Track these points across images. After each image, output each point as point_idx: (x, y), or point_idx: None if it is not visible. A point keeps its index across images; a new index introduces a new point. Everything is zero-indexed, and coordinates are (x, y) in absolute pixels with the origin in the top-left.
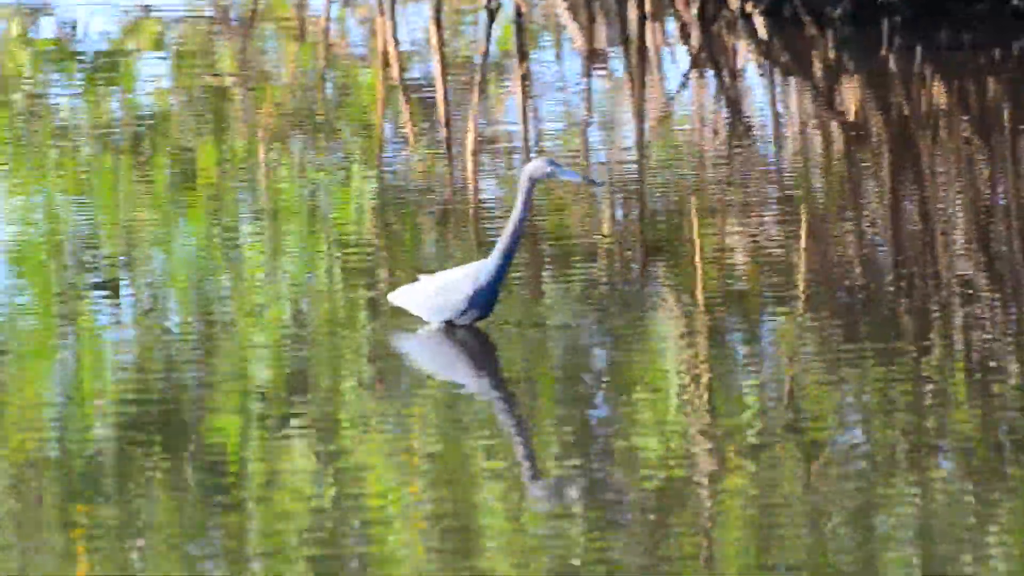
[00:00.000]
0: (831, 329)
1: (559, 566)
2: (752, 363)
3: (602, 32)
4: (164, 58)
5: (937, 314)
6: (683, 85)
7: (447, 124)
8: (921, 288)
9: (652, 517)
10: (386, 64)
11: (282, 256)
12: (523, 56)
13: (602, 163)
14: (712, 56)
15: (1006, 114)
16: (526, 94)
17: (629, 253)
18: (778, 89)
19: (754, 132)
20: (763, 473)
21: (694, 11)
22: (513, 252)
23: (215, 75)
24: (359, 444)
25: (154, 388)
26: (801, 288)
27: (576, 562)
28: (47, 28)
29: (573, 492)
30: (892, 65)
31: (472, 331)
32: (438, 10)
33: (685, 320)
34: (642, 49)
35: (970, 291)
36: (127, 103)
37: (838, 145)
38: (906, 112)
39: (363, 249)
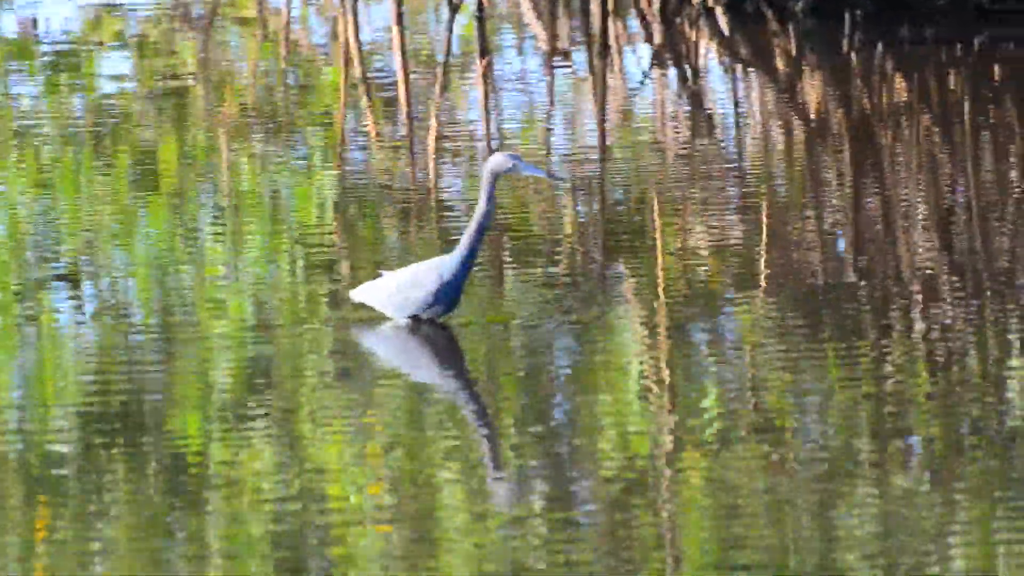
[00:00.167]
0: (793, 324)
1: (521, 565)
2: (714, 358)
3: (564, 28)
4: (125, 54)
5: (898, 308)
6: (645, 80)
7: (409, 120)
8: (882, 282)
9: (615, 515)
10: (348, 60)
11: (244, 252)
12: (485, 52)
13: (564, 158)
14: (674, 51)
15: (967, 108)
16: (488, 90)
17: (591, 248)
18: (740, 84)
19: (716, 127)
20: (726, 470)
21: (656, 6)
22: (477, 247)
23: (176, 77)
24: (321, 441)
25: (115, 384)
26: (763, 283)
27: (538, 561)
28: (8, 23)
29: (535, 490)
30: (854, 59)
31: (434, 327)
32: (400, 6)
33: (647, 315)
34: (604, 45)
35: (932, 285)
36: (88, 99)
37: (800, 139)
38: (868, 106)
39: (325, 245)
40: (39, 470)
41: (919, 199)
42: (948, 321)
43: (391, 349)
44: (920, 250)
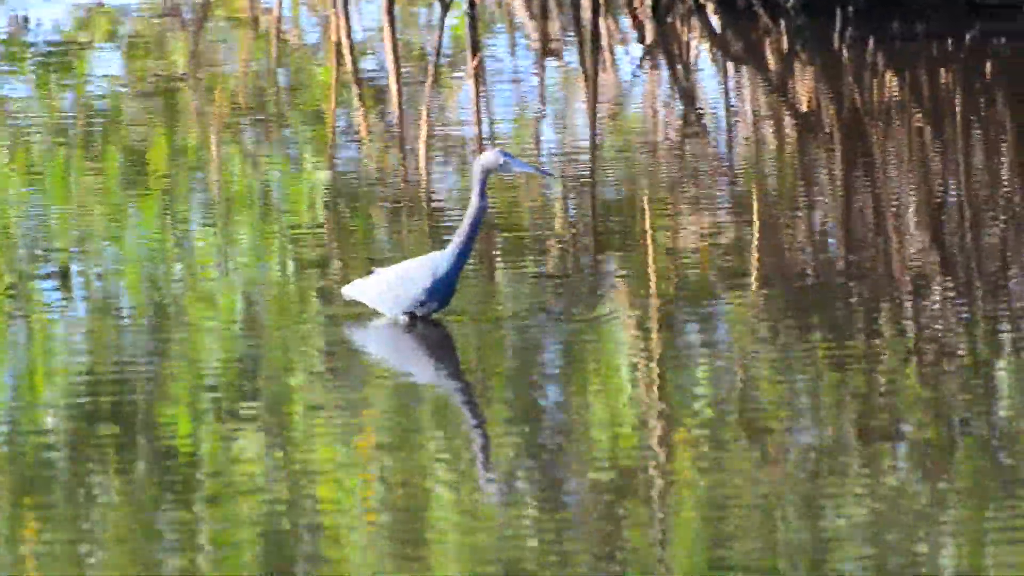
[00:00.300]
0: (784, 319)
1: (512, 562)
2: (705, 354)
3: (556, 24)
4: (117, 51)
5: (889, 304)
6: (636, 77)
7: (400, 116)
8: (873, 278)
9: (606, 511)
10: (339, 56)
11: (234, 248)
12: (476, 50)
13: (555, 155)
14: (666, 48)
15: (959, 104)
16: (479, 86)
17: (582, 245)
18: (732, 80)
19: (708, 123)
20: (716, 465)
21: (648, 3)
22: (472, 244)
23: (167, 75)
24: (311, 437)
25: (105, 379)
26: (754, 278)
27: (530, 556)
28: None
29: (527, 486)
30: (845, 55)
31: (426, 323)
32: (391, 2)
33: (638, 311)
34: (596, 41)
35: (922, 281)
36: (79, 96)
37: (791, 136)
38: (859, 102)
39: (316, 242)
40: (29, 466)
41: (910, 195)
42: (939, 319)
43: (383, 346)
44: (911, 247)
